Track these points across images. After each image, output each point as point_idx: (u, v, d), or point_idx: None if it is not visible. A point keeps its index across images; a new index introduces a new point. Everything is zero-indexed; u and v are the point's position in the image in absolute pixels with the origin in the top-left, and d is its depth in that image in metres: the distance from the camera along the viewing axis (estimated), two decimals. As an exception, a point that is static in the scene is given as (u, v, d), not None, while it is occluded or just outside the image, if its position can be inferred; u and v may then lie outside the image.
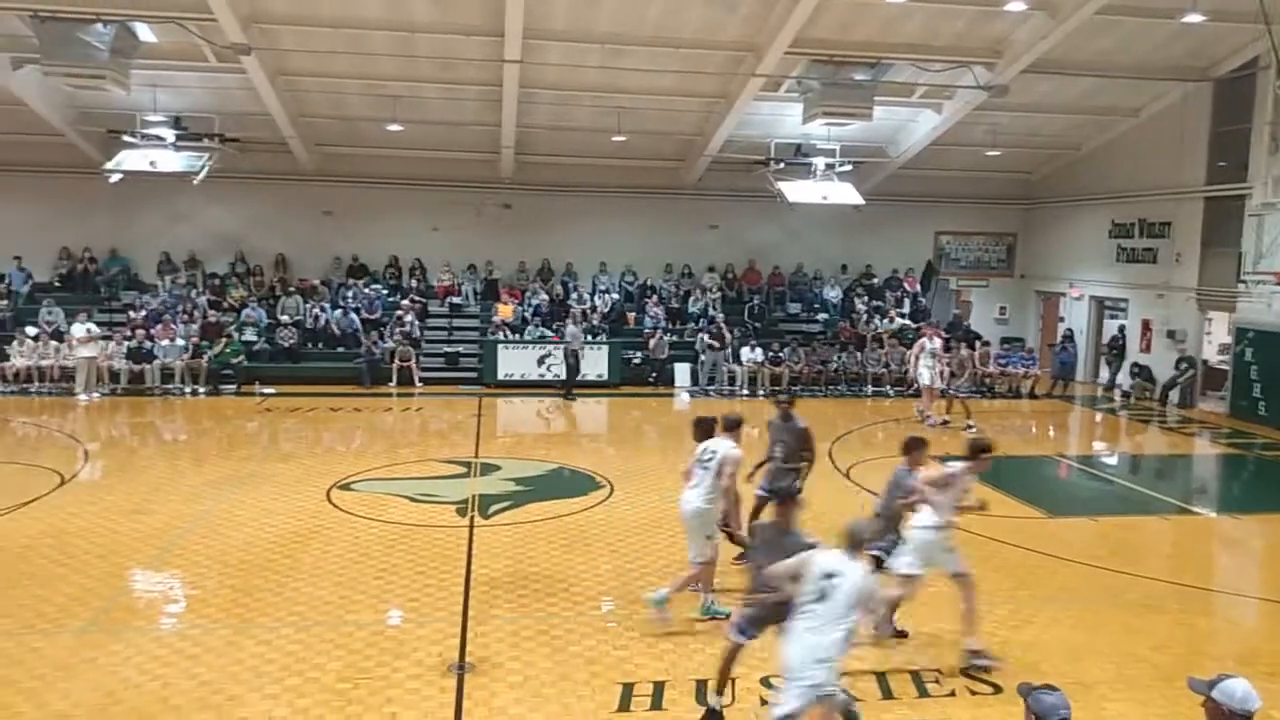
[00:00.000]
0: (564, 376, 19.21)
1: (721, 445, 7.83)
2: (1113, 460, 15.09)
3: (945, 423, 16.64)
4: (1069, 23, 15.00)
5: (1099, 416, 18.83)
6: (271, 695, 6.29)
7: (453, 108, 19.33)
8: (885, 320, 22.14)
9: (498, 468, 12.88)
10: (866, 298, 23.13)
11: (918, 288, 23.93)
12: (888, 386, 20.26)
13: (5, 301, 20.06)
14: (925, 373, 17.11)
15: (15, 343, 18.35)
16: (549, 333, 20.58)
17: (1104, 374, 21.37)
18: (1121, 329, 21.15)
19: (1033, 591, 8.75)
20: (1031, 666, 6.85)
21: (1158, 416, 18.47)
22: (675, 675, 6.70)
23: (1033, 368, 20.91)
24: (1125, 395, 20.20)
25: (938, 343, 17.50)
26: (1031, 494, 11.73)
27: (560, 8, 15.35)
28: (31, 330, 18.67)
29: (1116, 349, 20.73)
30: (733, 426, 8.11)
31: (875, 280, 23.95)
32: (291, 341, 19.90)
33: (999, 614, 8.09)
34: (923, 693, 6.58)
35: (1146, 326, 20.53)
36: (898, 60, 16.92)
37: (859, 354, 20.76)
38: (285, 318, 20.30)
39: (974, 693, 6.57)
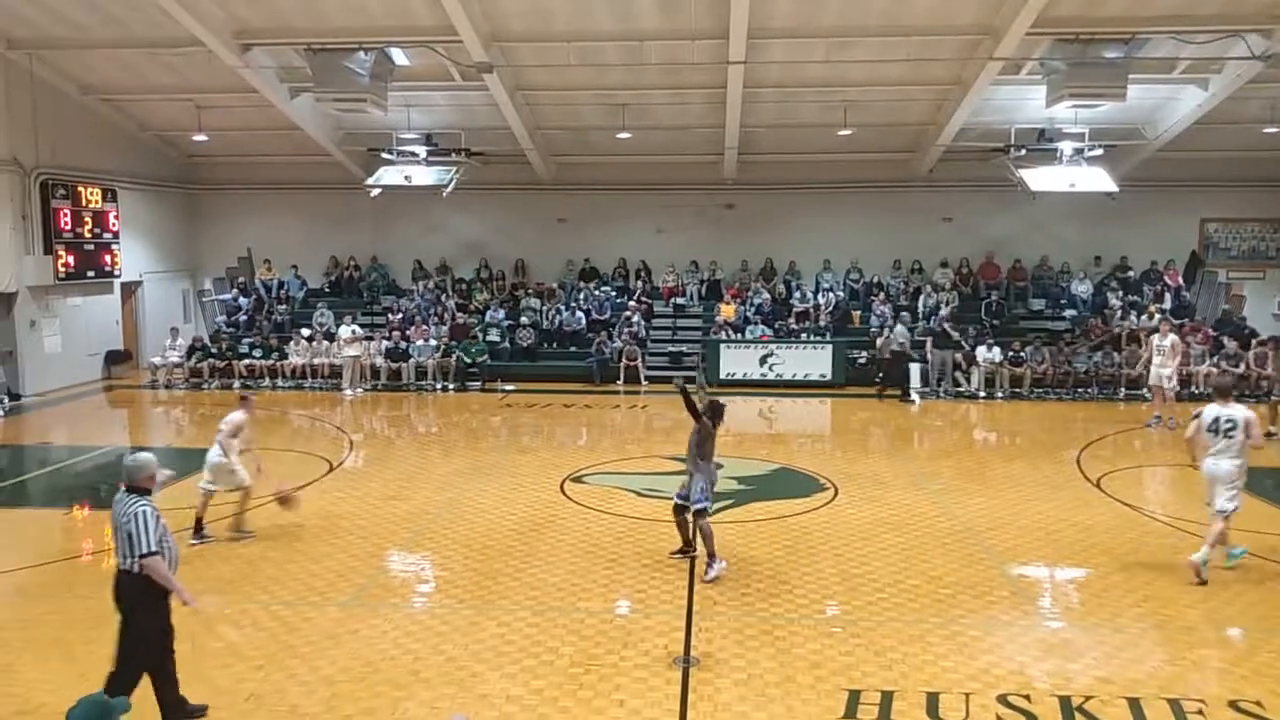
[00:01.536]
0: (889, 376, 18.92)
1: (1238, 411, 8.70)
2: None
3: (1163, 422, 15.52)
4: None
5: None
6: (510, 675, 6.67)
7: (678, 112, 19.68)
8: (1144, 317, 20.30)
9: (720, 465, 12.90)
10: (1121, 292, 21.32)
11: (1180, 280, 21.77)
12: (1145, 389, 18.54)
13: (284, 306, 22.51)
14: (1156, 372, 15.65)
15: (292, 343, 20.56)
16: (768, 330, 20.52)
17: None
18: None
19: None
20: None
21: None
22: (905, 686, 6.49)
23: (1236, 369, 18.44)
24: None
25: (1171, 339, 15.88)
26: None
27: (784, 5, 15.23)
28: (305, 331, 20.85)
29: None
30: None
31: (1131, 273, 22.03)
32: (529, 341, 21.01)
33: (1276, 647, 7.23)
34: (1185, 725, 5.99)
35: None
36: (1155, 34, 15.46)
37: (1114, 354, 19.15)
38: (524, 319, 21.47)
39: (1248, 730, 5.90)
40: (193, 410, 18.33)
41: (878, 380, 19.38)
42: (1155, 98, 18.58)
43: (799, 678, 6.61)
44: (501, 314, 21.80)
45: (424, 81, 18.11)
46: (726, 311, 21.32)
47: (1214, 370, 18.45)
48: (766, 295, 21.94)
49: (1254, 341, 19.00)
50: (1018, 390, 18.86)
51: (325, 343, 20.45)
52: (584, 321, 21.49)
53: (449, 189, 19.92)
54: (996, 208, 21.95)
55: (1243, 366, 18.17)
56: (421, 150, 19.84)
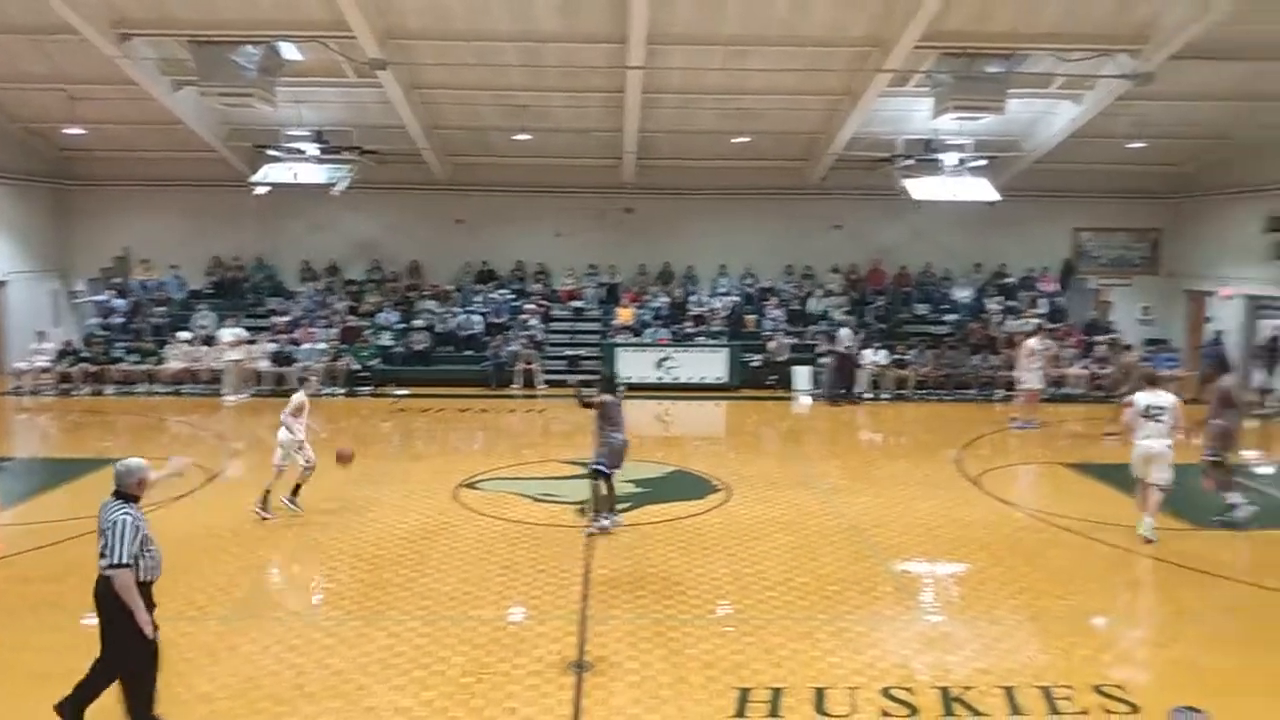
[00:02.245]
0: (831, 381, 19.17)
1: (1166, 398, 10.04)
2: (1269, 470, 14.05)
3: (1023, 425, 16.31)
4: (1224, 3, 14.05)
5: (1252, 423, 17.53)
6: (399, 686, 6.53)
7: (577, 115, 19.65)
8: (1020, 321, 21.25)
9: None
10: (1000, 298, 22.28)
11: (1054, 287, 22.89)
12: (1018, 390, 19.40)
13: (163, 308, 21.54)
14: (1029, 375, 16.49)
15: (169, 346, 19.69)
16: (666, 334, 20.71)
17: (1257, 378, 19.89)
18: (1278, 330, 19.65)
19: (1178, 608, 8.27)
20: (1174, 687, 6.44)
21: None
22: (794, 682, 6.62)
23: (1177, 370, 19.70)
24: (1282, 401, 18.79)
25: (1033, 343, 16.92)
26: (1178, 505, 11.03)
27: (684, 12, 15.38)
28: (185, 335, 20.00)
29: (1273, 351, 19.29)
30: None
31: (1010, 279, 23.04)
32: (424, 345, 20.64)
33: (1141, 630, 7.67)
34: (1054, 710, 6.28)
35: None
36: (1035, 50, 16.22)
37: (991, 356, 20.01)
38: (419, 322, 21.08)
39: (1109, 712, 6.22)
40: (61, 417, 17.37)
41: (770, 383, 19.79)
42: (1033, 112, 19.47)
43: (691, 678, 6.67)
44: (395, 316, 21.37)
45: (315, 77, 17.60)
46: (624, 315, 21.41)
47: (1084, 372, 19.49)
48: (665, 299, 22.12)
49: (1094, 343, 20.14)
50: (902, 392, 19.51)
51: (205, 346, 19.66)
52: (480, 324, 21.26)
53: (340, 188, 19.40)
54: (884, 216, 22.65)
55: (1111, 368, 19.19)
56: (312, 147, 19.26)
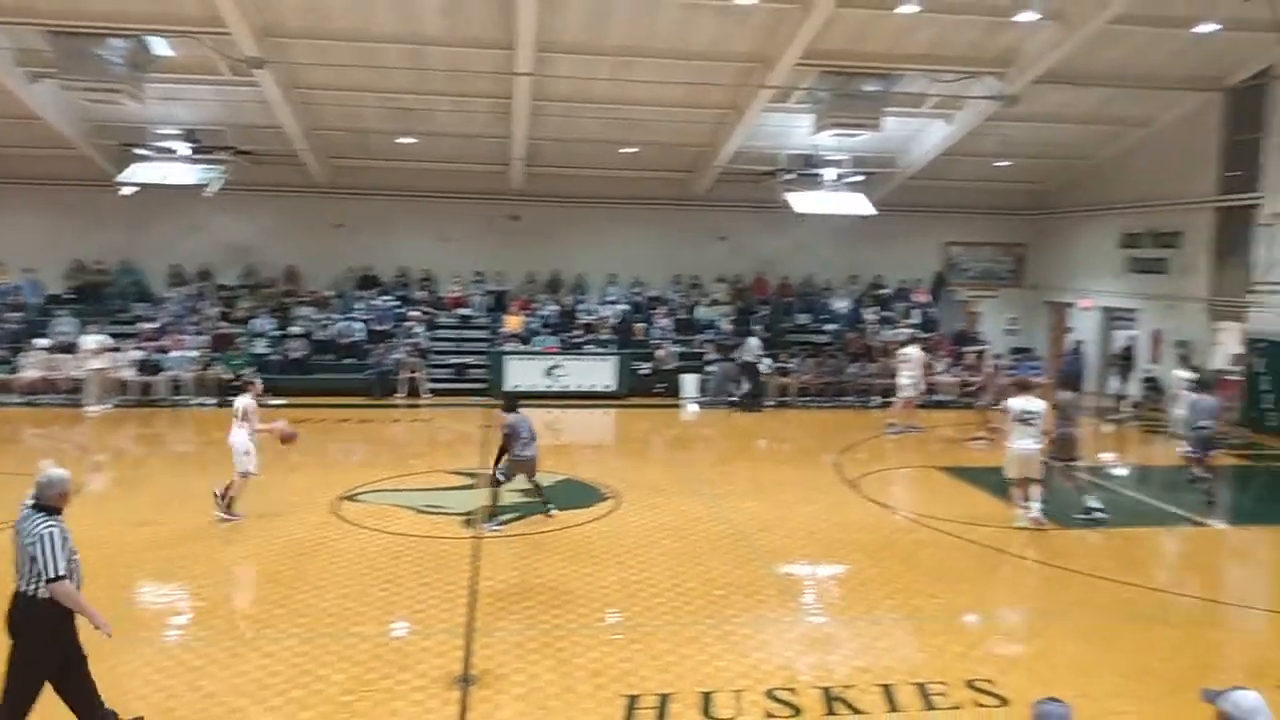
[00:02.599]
0: (745, 388, 19.49)
1: (1037, 404, 10.82)
2: (1122, 471, 14.99)
3: (899, 430, 16.98)
4: (1081, 32, 14.99)
5: (1108, 427, 18.70)
6: (274, 708, 6.28)
7: (463, 120, 19.44)
8: (895, 331, 22.08)
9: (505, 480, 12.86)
10: (876, 308, 23.09)
11: (927, 298, 23.87)
12: (895, 397, 20.15)
13: (18, 314, 20.20)
14: (906, 383, 17.20)
15: (26, 354, 18.48)
16: (555, 342, 20.67)
17: (1113, 384, 21.23)
18: (1132, 339, 21.03)
19: (1040, 603, 8.70)
20: (1039, 678, 6.79)
21: (1167, 427, 18.30)
22: (681, 687, 6.67)
23: (1040, 378, 20.76)
24: (1135, 406, 20.06)
25: (911, 351, 17.75)
26: (1046, 509, 11.64)
27: (572, 21, 15.42)
28: (43, 342, 18.79)
29: (1126, 359, 20.61)
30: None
31: (885, 291, 23.90)
32: (301, 353, 19.98)
33: (1007, 626, 8.05)
34: (929, 705, 6.52)
35: (1156, 337, 20.43)
36: (909, 71, 16.93)
37: (868, 365, 20.72)
38: (296, 329, 20.40)
39: (980, 705, 6.51)
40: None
41: (659, 391, 20.00)
42: (907, 130, 20.30)
43: (579, 687, 6.65)
44: (270, 323, 20.62)
45: (188, 74, 16.88)
46: (512, 323, 21.24)
47: (954, 380, 20.37)
48: (554, 307, 22.06)
49: (964, 352, 21.15)
50: (785, 399, 19.99)
51: (65, 354, 18.53)
52: (362, 332, 20.73)
53: (212, 189, 18.64)
54: (768, 228, 23.18)
55: (979, 376, 20.11)
56: (183, 147, 18.45)
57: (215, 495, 10.59)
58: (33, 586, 5.27)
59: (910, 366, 17.37)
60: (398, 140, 19.99)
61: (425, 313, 21.56)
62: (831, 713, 6.39)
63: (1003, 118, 18.43)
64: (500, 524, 10.55)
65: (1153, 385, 19.93)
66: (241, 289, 22.02)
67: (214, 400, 18.46)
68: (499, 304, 22.41)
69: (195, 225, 21.91)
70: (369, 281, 22.44)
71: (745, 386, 19.79)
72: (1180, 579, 9.77)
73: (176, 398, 18.51)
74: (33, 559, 5.24)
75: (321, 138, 20.24)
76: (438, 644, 7.36)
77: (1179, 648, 7.61)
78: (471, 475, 13.03)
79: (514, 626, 7.73)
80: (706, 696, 6.54)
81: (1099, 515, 11.18)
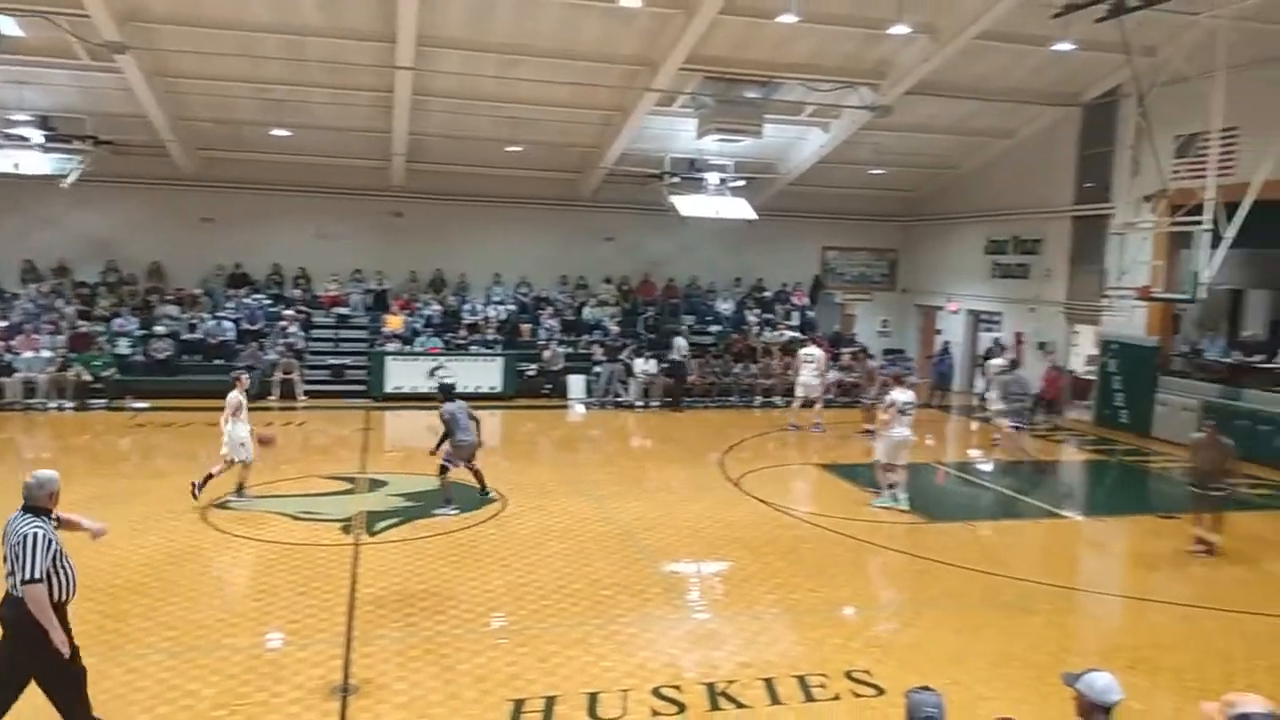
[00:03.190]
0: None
1: (913, 396, 11.88)
2: (988, 467, 15.75)
3: (801, 429, 17.34)
4: (949, 47, 15.69)
5: (974, 425, 19.62)
6: (139, 726, 5.96)
7: (342, 113, 18.90)
8: (775, 332, 22.61)
9: (385, 483, 12.60)
10: (758, 310, 23.59)
11: (806, 301, 24.53)
12: (777, 398, 20.68)
13: None
14: (805, 382, 17.69)
15: None
16: (439, 343, 20.32)
17: (979, 384, 22.27)
18: (996, 341, 22.11)
19: (914, 595, 9.04)
20: (913, 668, 7.06)
21: (1029, 425, 19.31)
22: (567, 689, 6.65)
23: (912, 378, 21.62)
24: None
25: (815, 350, 18.32)
26: (912, 500, 12.14)
27: (455, 16, 15.20)
28: (-125, 341, 17.35)
29: (990, 359, 21.61)
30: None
31: (766, 293, 24.44)
32: (167, 354, 19.03)
33: (883, 617, 8.34)
34: (809, 697, 6.70)
35: (1019, 338, 21.55)
36: (788, 79, 17.36)
37: (751, 365, 21.14)
38: (160, 328, 19.41)
39: (857, 695, 6.72)
40: None
41: (546, 392, 19.92)
42: (787, 137, 20.82)
43: (464, 693, 6.55)
44: (133, 323, 19.57)
45: (42, 57, 15.85)
46: (393, 323, 20.77)
47: (833, 379, 20.99)
48: (437, 307, 21.67)
49: (842, 352, 21.89)
50: (669, 399, 20.19)
51: (-99, 354, 17.16)
52: (233, 332, 19.90)
53: (70, 180, 17.57)
54: (653, 230, 23.39)
55: (855, 376, 20.82)
56: (36, 135, 17.31)
57: (194, 485, 10.98)
58: (15, 585, 5.17)
59: (813, 366, 17.87)
60: (272, 132, 19.28)
61: (300, 312, 20.87)
62: (716, 708, 6.49)
63: (876, 127, 19.12)
64: (457, 510, 11.00)
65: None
66: (102, 286, 20.82)
67: (72, 404, 17.38)
68: (379, 303, 21.88)
69: (50, 218, 20.59)
70: (240, 279, 21.56)
71: (633, 387, 19.94)
72: (1041, 568, 10.31)
73: (30, 401, 17.36)
74: (16, 557, 5.14)
75: (189, 128, 19.34)
76: (315, 654, 7.13)
77: (1041, 634, 8.04)
78: (349, 480, 12.69)
79: (395, 634, 7.55)
80: (593, 697, 6.55)
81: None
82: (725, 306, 23.76)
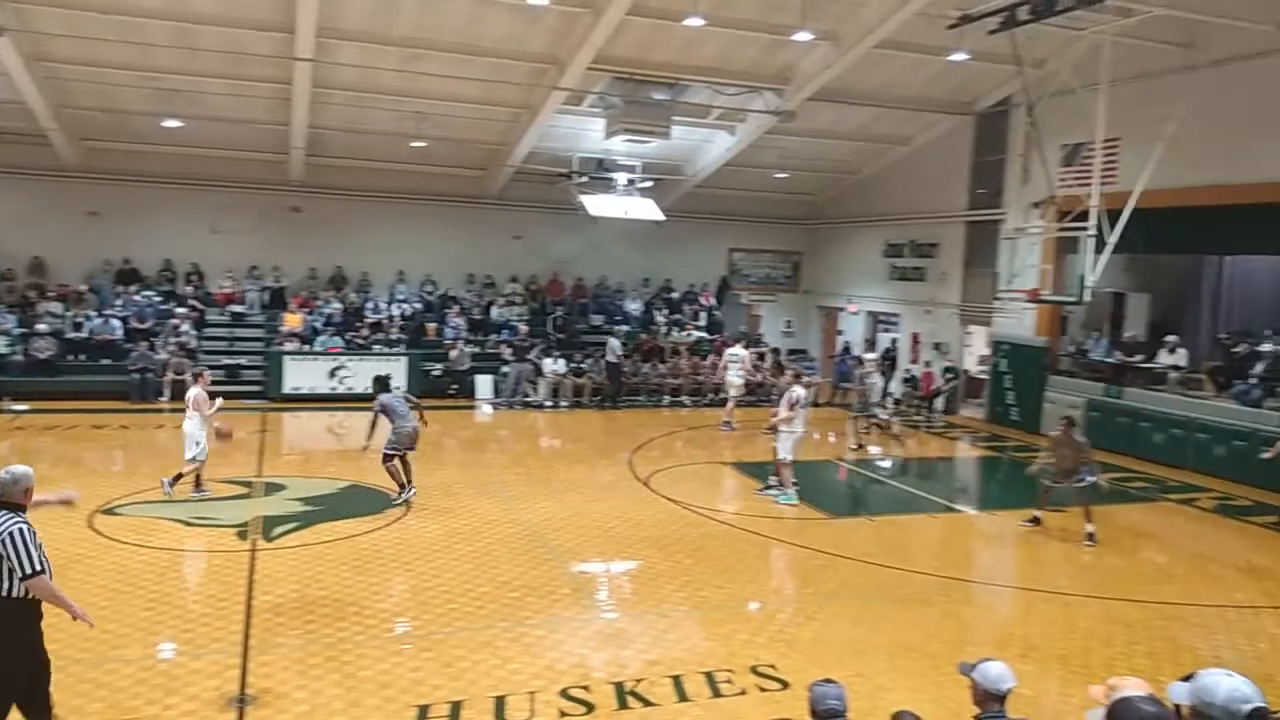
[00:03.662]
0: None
1: (801, 392, 12.15)
2: (886, 463, 16.20)
3: (733, 427, 17.61)
4: (851, 54, 16.07)
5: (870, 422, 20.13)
6: (17, 746, 5.64)
7: (239, 105, 18.27)
8: (683, 333, 22.80)
9: (283, 487, 12.23)
10: (666, 311, 23.74)
11: (713, 301, 24.81)
12: (685, 397, 20.87)
13: None
14: (738, 382, 17.99)
15: None
16: (339, 343, 19.84)
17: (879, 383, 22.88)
18: (894, 341, 22.80)
19: (816, 589, 9.23)
20: (816, 661, 7.21)
21: (925, 422, 20.00)
22: (473, 693, 6.57)
23: (815, 377, 22.14)
24: (897, 403, 21.73)
25: (741, 351, 18.66)
26: (813, 497, 12.42)
27: (356, 7, 14.87)
28: None
29: (889, 360, 22.29)
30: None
31: (675, 294, 24.62)
32: (50, 353, 18.08)
33: (787, 612, 8.49)
34: (716, 692, 6.77)
35: (916, 339, 22.26)
36: (695, 82, 17.53)
37: (659, 365, 21.27)
38: (43, 326, 18.43)
39: (763, 690, 6.83)
40: None
41: (452, 392, 19.64)
42: (694, 139, 21.02)
43: (366, 701, 6.40)
44: (12, 320, 18.52)
45: (-97, 36, 14.86)
46: (292, 321, 20.18)
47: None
48: (337, 305, 21.14)
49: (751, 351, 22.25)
50: (579, 399, 20.17)
51: None
52: (120, 330, 19.03)
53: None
54: (562, 229, 23.30)
55: (760, 375, 21.15)
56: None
57: (164, 482, 11.20)
58: (5, 587, 5.04)
59: (739, 365, 18.13)
60: (164, 123, 18.50)
61: (193, 309, 20.09)
62: (625, 707, 6.50)
63: (781, 132, 19.47)
64: (408, 494, 11.32)
65: (912, 383, 21.65)
66: (-25, 282, 19.66)
67: (-60, 406, 16.36)
68: (276, 301, 21.23)
69: (-84, 209, 19.36)
70: (129, 275, 20.63)
71: (542, 387, 19.86)
72: (937, 561, 10.66)
73: (-108, 404, 16.28)
74: (3, 558, 5.02)
75: (73, 116, 18.41)
76: (210, 664, 6.87)
77: (937, 625, 8.31)
78: (245, 484, 12.28)
79: (295, 642, 7.34)
80: (500, 701, 6.48)
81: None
82: (634, 306, 23.84)
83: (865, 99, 18.91)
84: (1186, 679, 2.98)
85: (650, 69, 16.88)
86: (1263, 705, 2.85)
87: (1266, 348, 15.93)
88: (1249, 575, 10.21)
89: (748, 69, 17.29)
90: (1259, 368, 15.62)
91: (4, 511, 5.19)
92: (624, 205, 20.55)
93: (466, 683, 6.74)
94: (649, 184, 20.85)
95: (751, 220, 25.58)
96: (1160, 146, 13.87)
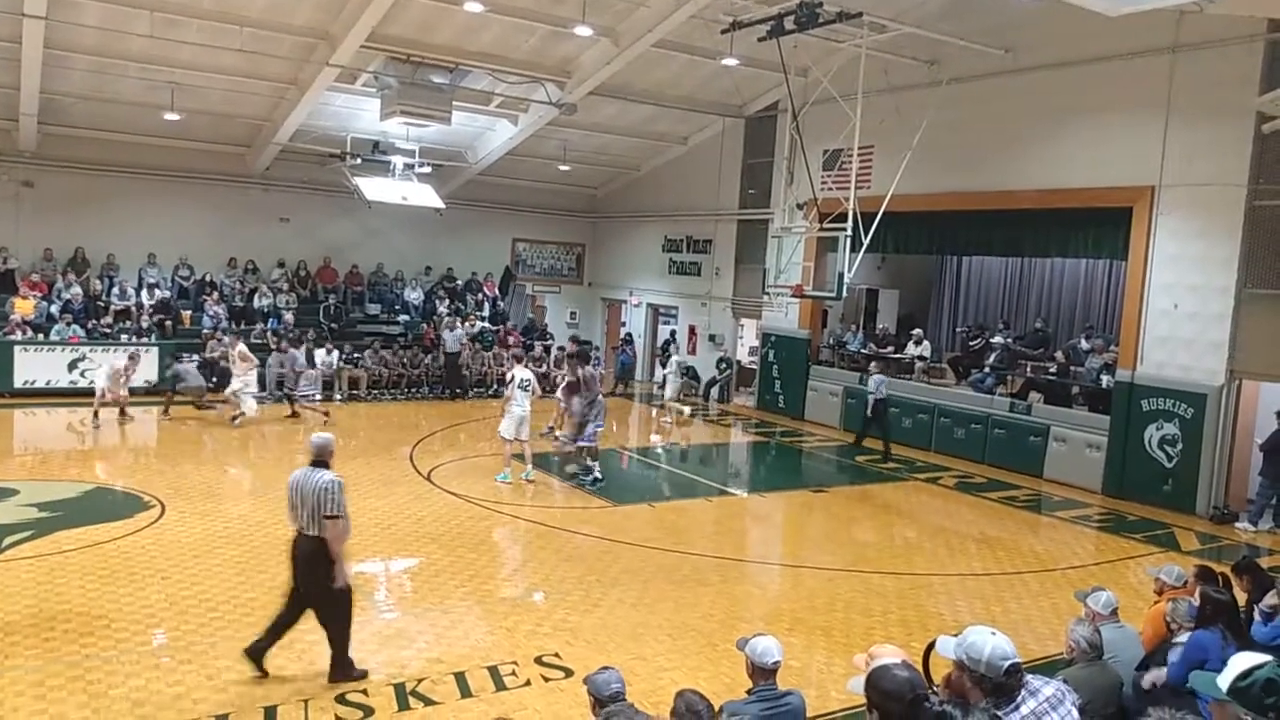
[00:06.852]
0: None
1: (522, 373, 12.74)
2: (665, 451, 16.73)
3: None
4: (629, 51, 16.37)
5: (654, 412, 20.77)
6: None
7: (-48, 63, 16.12)
8: (466, 324, 22.43)
9: (15, 492, 10.98)
10: (448, 300, 23.28)
11: (497, 292, 24.60)
12: (470, 389, 20.58)
13: None
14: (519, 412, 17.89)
15: None
16: (79, 331, 18.02)
17: (658, 374, 23.61)
18: (673, 333, 23.55)
19: (599, 576, 9.38)
20: (600, 647, 7.34)
21: (701, 410, 20.83)
22: (240, 705, 6.19)
23: (600, 369, 22.49)
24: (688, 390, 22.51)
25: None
26: (590, 481, 12.63)
27: (98, -37, 13.50)
28: None
29: (668, 351, 23.01)
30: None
31: (457, 283, 24.18)
32: None
33: (571, 600, 8.59)
34: (500, 686, 6.74)
35: (692, 331, 23.10)
36: (475, 68, 17.25)
37: (440, 357, 20.84)
38: None
39: (547, 680, 6.87)
40: None
41: (211, 385, 18.26)
42: (476, 126, 20.69)
43: (117, 723, 5.88)
44: None
45: None
46: (23, 307, 18.07)
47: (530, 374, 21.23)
48: (78, 290, 19.14)
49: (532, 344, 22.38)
50: (355, 392, 19.41)
51: None
52: None
53: None
54: (334, 213, 22.28)
55: (545, 366, 21.20)
56: None
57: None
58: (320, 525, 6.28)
59: (527, 393, 17.76)
60: None
61: (-102, 294, 17.59)
62: (406, 708, 6.35)
63: (563, 124, 19.56)
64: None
65: (690, 374, 22.46)
66: None
67: None
68: (5, 284, 18.93)
69: None
70: None
71: (312, 380, 18.89)
72: (712, 542, 11.13)
73: None
74: (325, 502, 6.27)
75: None
76: (-77, 697, 6.07)
77: (712, 604, 8.68)
78: (-31, 490, 10.90)
79: (32, 663, 6.61)
80: (269, 711, 6.14)
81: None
82: (414, 295, 23.19)
83: (644, 97, 19.36)
84: (956, 635, 3.32)
85: (428, 51, 16.44)
86: (1018, 661, 3.21)
87: (997, 340, 17.77)
88: (984, 545, 11.38)
89: (529, 59, 17.22)
90: (991, 358, 17.39)
91: (319, 468, 6.52)
92: (402, 191, 19.92)
93: (233, 695, 6.33)
94: (428, 169, 20.33)
95: (535, 211, 25.56)
96: (908, 155, 15.10)
